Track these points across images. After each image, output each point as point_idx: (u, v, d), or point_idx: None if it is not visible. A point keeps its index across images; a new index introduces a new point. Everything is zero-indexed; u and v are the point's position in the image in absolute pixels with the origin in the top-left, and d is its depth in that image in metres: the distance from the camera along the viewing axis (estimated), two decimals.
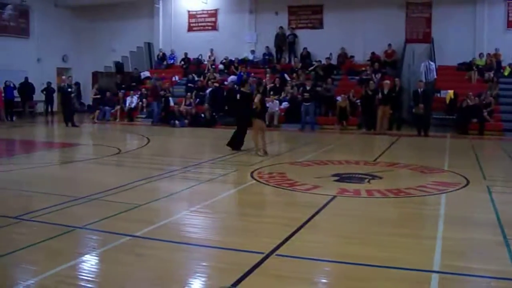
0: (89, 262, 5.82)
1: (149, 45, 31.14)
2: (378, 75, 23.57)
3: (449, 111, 21.49)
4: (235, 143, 14.87)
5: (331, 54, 25.90)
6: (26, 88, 27.82)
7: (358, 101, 22.28)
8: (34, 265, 5.72)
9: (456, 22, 24.29)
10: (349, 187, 9.74)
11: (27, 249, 6.13)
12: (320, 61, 25.57)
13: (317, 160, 13.31)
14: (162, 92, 24.88)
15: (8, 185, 10.15)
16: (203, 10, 29.99)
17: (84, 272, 5.52)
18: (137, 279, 5.30)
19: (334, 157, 14.12)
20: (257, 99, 14.56)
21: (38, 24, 30.22)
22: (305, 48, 26.84)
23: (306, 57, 26.67)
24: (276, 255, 5.90)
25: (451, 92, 21.84)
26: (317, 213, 7.85)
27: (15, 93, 27.18)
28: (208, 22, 29.93)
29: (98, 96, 26.91)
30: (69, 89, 23.66)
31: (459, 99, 21.29)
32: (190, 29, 30.45)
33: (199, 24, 30.22)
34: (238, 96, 15.31)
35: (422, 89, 20.68)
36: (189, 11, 30.35)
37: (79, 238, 6.78)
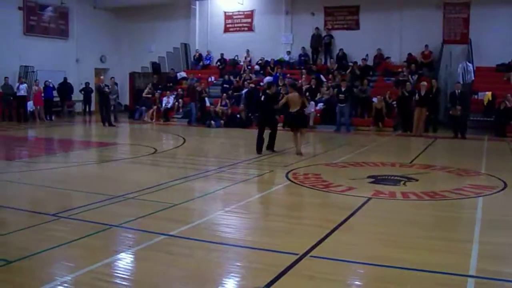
0: (125, 260, 5.89)
1: (185, 46, 31.31)
2: (415, 77, 23.32)
3: (487, 113, 21.13)
4: (268, 144, 14.87)
5: (367, 55, 25.72)
6: (65, 88, 28.25)
7: (394, 102, 22.08)
8: (71, 262, 5.82)
9: (494, 23, 23.85)
10: (385, 189, 9.67)
11: (65, 246, 6.23)
12: (356, 62, 25.41)
13: (352, 162, 13.24)
14: (202, 93, 25.03)
15: (47, 183, 10.32)
16: (239, 11, 30.05)
17: (119, 270, 5.59)
18: (171, 278, 5.35)
19: (370, 158, 14.02)
20: (284, 99, 14.64)
21: (77, 26, 30.64)
22: (341, 49, 26.70)
23: (342, 58, 26.53)
24: (310, 256, 5.89)
25: (489, 93, 21.49)
26: (352, 215, 7.81)
27: (54, 93, 27.61)
28: (244, 23, 29.97)
29: (149, 96, 27.21)
30: (106, 89, 23.95)
31: (497, 101, 20.92)
32: (226, 30, 30.54)
33: (235, 25, 30.29)
34: (263, 97, 15.28)
35: (459, 91, 20.41)
36: (225, 12, 30.44)
37: (115, 236, 6.86)
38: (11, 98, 25.47)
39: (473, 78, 22.99)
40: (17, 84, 25.72)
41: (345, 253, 6.04)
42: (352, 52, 26.41)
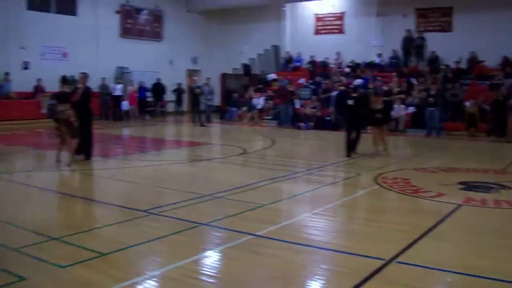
0: (212, 258, 6.01)
1: (276, 48, 31.49)
2: (510, 80, 22.50)
3: None
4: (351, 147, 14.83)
5: (460, 58, 25.00)
6: (158, 88, 29.01)
7: (488, 107, 21.38)
8: (160, 257, 6.00)
9: None
10: (476, 196, 9.38)
11: (154, 242, 6.43)
12: (448, 65, 24.76)
13: (443, 167, 12.92)
14: (294, 94, 25.12)
15: (140, 180, 10.66)
16: (330, 13, 29.93)
17: (206, 267, 5.71)
18: (257, 278, 5.41)
19: (461, 164, 13.64)
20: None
21: (171, 28, 31.41)
22: (433, 52, 26.08)
23: (434, 61, 25.90)
24: (397, 262, 5.81)
25: None
26: (441, 221, 7.64)
27: (148, 93, 28.44)
28: (335, 25, 29.81)
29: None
30: (197, 90, 24.42)
31: None
32: (317, 32, 30.48)
33: (326, 27, 30.18)
34: (351, 101, 15.18)
35: None
36: (316, 14, 30.39)
37: (203, 234, 7.00)
38: (108, 97, 26.53)
39: None
40: (113, 85, 26.76)
41: (433, 261, 5.89)
42: (444, 54, 25.71)
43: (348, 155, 14.35)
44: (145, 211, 7.86)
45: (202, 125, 23.66)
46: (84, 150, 12.81)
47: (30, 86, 24.39)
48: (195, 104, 24.37)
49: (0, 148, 15.69)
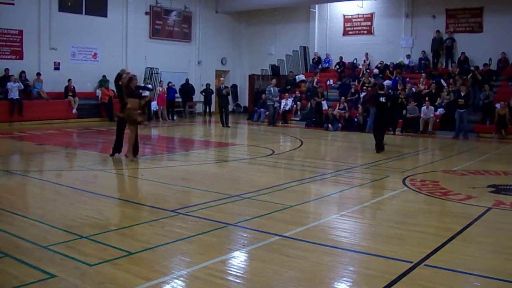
0: (239, 258, 6.03)
1: (304, 49, 31.46)
2: None
3: None
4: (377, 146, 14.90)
5: (490, 59, 24.68)
6: (187, 89, 29.17)
7: None
8: (187, 257, 6.03)
9: None
10: (507, 200, 9.26)
11: (182, 241, 6.47)
12: (477, 66, 24.48)
13: (472, 170, 12.79)
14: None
15: (168, 180, 10.72)
16: (358, 14, 29.80)
17: (233, 268, 5.73)
18: (284, 279, 5.41)
19: (491, 167, 13.49)
20: None
21: (200, 29, 31.58)
22: (463, 53, 25.78)
23: (464, 62, 25.62)
24: (425, 265, 5.77)
25: None
26: (470, 224, 7.56)
27: (177, 94, 28.61)
28: (364, 26, 29.67)
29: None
30: (224, 90, 24.52)
31: None
32: (345, 33, 30.36)
33: (355, 28, 30.05)
34: (382, 98, 15.20)
35: None
36: (344, 15, 30.28)
37: (231, 235, 7.03)
38: None
39: None
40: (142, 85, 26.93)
41: (461, 264, 5.85)
42: (474, 55, 25.42)
43: (379, 151, 14.39)
44: (173, 211, 7.91)
45: (227, 126, 23.73)
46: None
47: (61, 86, 24.69)
48: (223, 105, 24.45)
49: (31, 148, 15.92)
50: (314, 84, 26.91)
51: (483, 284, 5.44)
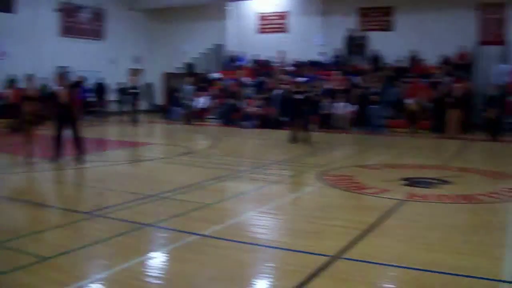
0: (158, 259, 5.95)
1: (219, 47, 31.43)
2: (450, 78, 23.02)
3: None
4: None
5: (401, 56, 25.45)
6: (100, 88, 28.54)
7: (428, 104, 21.82)
8: (105, 260, 5.90)
9: None
10: (419, 192, 9.55)
11: (99, 244, 6.32)
12: (389, 63, 25.17)
13: (385, 164, 13.14)
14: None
15: (82, 182, 10.48)
16: (273, 12, 30.06)
17: (152, 269, 5.65)
18: (204, 278, 5.37)
19: (404, 161, 13.90)
20: None
21: (113, 27, 30.96)
22: (375, 51, 26.48)
23: (376, 59, 26.31)
24: (343, 258, 5.87)
25: None
26: (385, 217, 7.75)
27: (90, 93, 27.91)
28: (279, 24, 29.96)
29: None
30: (132, 89, 24.28)
31: None
32: (260, 31, 30.56)
33: (269, 26, 30.30)
34: (300, 95, 15.50)
35: (494, 93, 20.10)
36: (259, 13, 30.46)
37: (149, 235, 6.93)
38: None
39: (509, 80, 22.61)
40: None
41: (378, 256, 5.99)
42: (386, 53, 26.13)
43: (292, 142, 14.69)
44: (88, 213, 7.71)
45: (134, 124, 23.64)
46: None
47: None
48: (133, 104, 24.32)
49: None
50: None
51: (398, 274, 5.59)
